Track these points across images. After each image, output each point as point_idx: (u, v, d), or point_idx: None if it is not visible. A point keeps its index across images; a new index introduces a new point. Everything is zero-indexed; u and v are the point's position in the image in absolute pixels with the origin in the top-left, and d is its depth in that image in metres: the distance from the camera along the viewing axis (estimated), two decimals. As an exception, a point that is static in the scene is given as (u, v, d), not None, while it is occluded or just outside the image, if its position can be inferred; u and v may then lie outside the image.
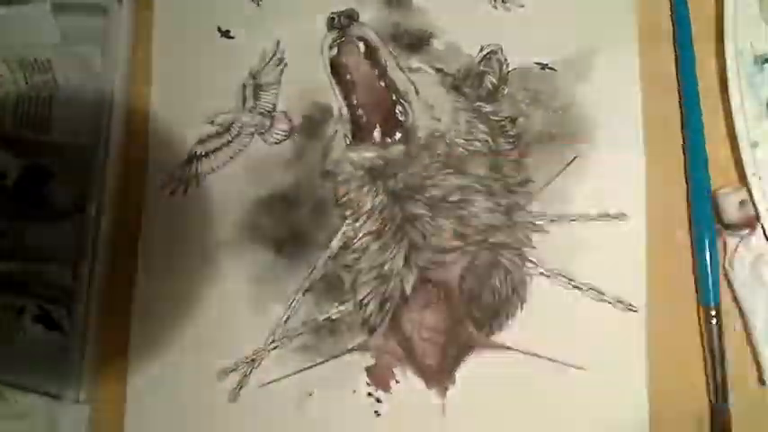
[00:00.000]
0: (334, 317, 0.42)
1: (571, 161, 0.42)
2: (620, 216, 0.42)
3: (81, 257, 0.42)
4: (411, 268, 0.42)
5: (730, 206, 0.41)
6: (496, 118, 0.43)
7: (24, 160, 0.44)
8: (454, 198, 0.42)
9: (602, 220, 0.42)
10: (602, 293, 0.41)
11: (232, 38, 0.45)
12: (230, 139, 0.44)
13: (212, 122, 0.44)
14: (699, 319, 0.40)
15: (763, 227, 0.40)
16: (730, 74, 0.42)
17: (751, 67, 0.42)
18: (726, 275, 0.41)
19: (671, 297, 0.41)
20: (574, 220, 0.42)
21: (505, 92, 0.43)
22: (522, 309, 0.41)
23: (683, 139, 0.42)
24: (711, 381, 0.39)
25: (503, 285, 0.42)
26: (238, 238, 0.43)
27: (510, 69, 0.44)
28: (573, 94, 0.43)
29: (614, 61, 0.43)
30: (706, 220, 0.41)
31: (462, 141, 0.43)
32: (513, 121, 0.43)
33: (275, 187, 0.43)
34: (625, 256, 0.41)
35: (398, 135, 0.43)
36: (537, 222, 0.42)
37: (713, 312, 0.40)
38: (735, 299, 0.41)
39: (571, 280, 0.41)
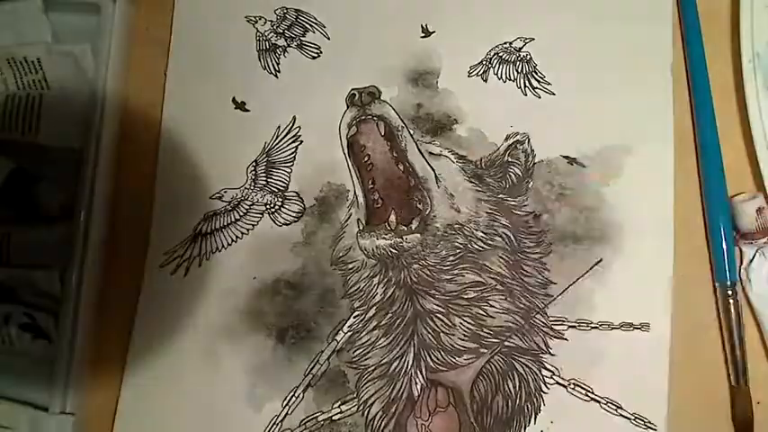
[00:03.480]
0: (335, 417, 0.39)
1: (595, 264, 0.40)
2: (644, 326, 0.39)
3: (69, 264, 0.40)
4: (420, 369, 0.39)
5: (747, 213, 0.39)
6: (519, 212, 0.41)
7: (11, 162, 0.42)
8: (470, 295, 0.40)
9: (624, 329, 0.39)
10: (621, 408, 0.38)
11: (247, 110, 0.43)
12: (238, 217, 0.41)
13: (220, 198, 0.42)
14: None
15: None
16: (746, 77, 0.40)
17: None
18: (742, 286, 0.39)
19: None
20: (594, 328, 0.39)
21: (530, 185, 0.41)
22: (535, 419, 0.39)
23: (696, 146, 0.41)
24: (731, 359, 0.38)
25: (516, 393, 0.39)
26: (239, 324, 0.40)
27: (536, 161, 0.42)
28: (601, 193, 0.41)
29: (648, 163, 0.41)
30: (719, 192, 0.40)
31: (482, 235, 0.41)
32: (536, 217, 0.41)
33: (281, 272, 0.41)
34: (646, 368, 0.39)
35: (415, 223, 0.41)
36: (556, 328, 0.40)
37: (729, 291, 0.39)
38: (751, 311, 0.39)
39: (589, 391, 0.39)
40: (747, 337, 0.39)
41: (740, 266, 0.40)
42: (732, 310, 0.39)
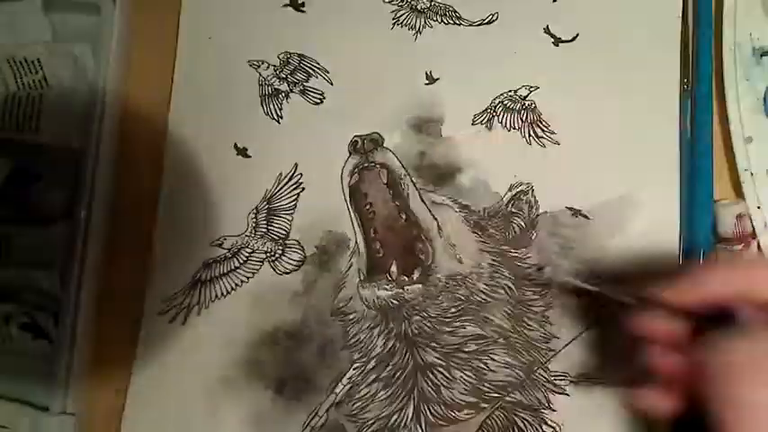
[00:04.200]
0: (334, 472, 0.39)
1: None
2: (649, 382, 0.39)
3: (69, 264, 0.40)
4: (420, 423, 0.39)
5: (727, 217, 0.39)
6: (522, 264, 0.40)
7: (11, 162, 0.42)
8: (471, 348, 0.39)
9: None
10: (627, 465, 0.38)
11: (249, 156, 0.43)
12: (238, 264, 0.41)
13: (220, 245, 0.41)
14: None
15: (758, 243, 0.39)
16: (726, 66, 0.40)
17: (749, 60, 0.41)
18: None
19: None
20: (599, 384, 0.39)
21: (534, 237, 0.41)
22: (536, 478, 0.38)
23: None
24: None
25: (517, 449, 0.39)
26: (237, 374, 0.40)
27: (540, 212, 0.41)
28: (606, 247, 0.40)
29: (654, 216, 0.40)
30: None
31: (484, 287, 0.40)
32: (540, 269, 0.40)
33: (281, 322, 0.40)
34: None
35: (417, 274, 0.40)
36: (558, 383, 0.39)
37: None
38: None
39: (592, 450, 0.38)
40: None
41: None
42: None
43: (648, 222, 0.40)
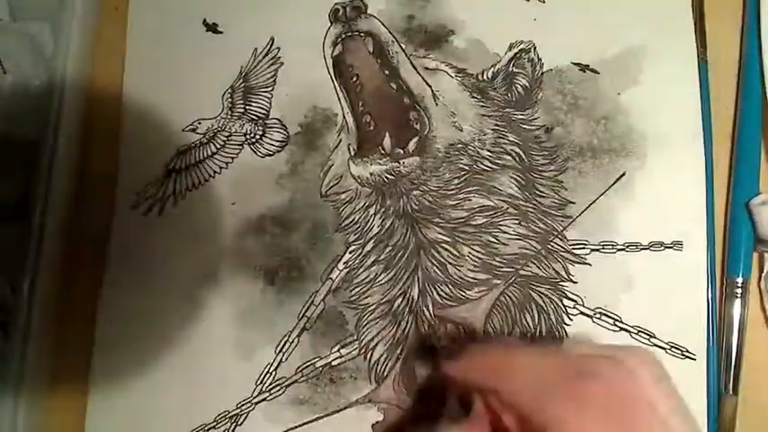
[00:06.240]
0: (334, 363, 0.35)
1: (618, 179, 0.36)
2: (676, 245, 0.35)
3: (21, 269, 0.35)
4: (427, 305, 0.35)
5: (766, 218, 0.34)
6: (529, 127, 0.37)
7: None
8: (479, 221, 0.36)
9: (654, 249, 0.35)
10: (655, 337, 0.34)
11: (220, 32, 0.39)
12: (215, 149, 0.37)
13: (194, 130, 0.37)
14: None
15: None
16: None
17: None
18: (760, 295, 0.35)
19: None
20: (621, 250, 0.35)
21: (539, 97, 0.37)
22: (559, 355, 0.35)
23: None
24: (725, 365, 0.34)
25: (536, 326, 0.35)
26: (222, 266, 0.36)
27: (544, 70, 0.37)
28: (619, 101, 0.36)
29: (668, 63, 0.36)
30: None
31: (488, 154, 0.36)
32: (548, 130, 0.37)
33: (266, 208, 0.37)
34: (681, 291, 0.35)
35: (412, 145, 0.36)
36: (577, 252, 0.35)
37: (739, 290, 0.35)
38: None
39: (617, 320, 0.35)
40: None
41: (760, 275, 0.35)
42: (739, 310, 0.34)
43: (663, 72, 0.36)
